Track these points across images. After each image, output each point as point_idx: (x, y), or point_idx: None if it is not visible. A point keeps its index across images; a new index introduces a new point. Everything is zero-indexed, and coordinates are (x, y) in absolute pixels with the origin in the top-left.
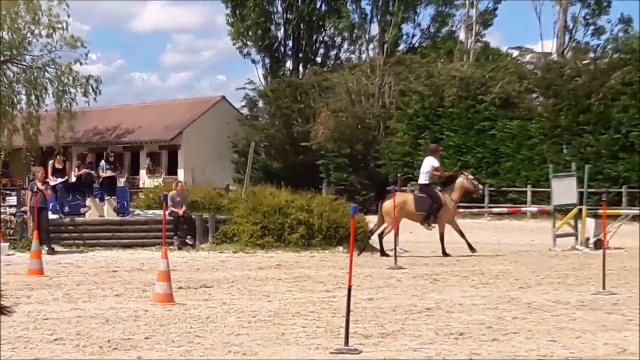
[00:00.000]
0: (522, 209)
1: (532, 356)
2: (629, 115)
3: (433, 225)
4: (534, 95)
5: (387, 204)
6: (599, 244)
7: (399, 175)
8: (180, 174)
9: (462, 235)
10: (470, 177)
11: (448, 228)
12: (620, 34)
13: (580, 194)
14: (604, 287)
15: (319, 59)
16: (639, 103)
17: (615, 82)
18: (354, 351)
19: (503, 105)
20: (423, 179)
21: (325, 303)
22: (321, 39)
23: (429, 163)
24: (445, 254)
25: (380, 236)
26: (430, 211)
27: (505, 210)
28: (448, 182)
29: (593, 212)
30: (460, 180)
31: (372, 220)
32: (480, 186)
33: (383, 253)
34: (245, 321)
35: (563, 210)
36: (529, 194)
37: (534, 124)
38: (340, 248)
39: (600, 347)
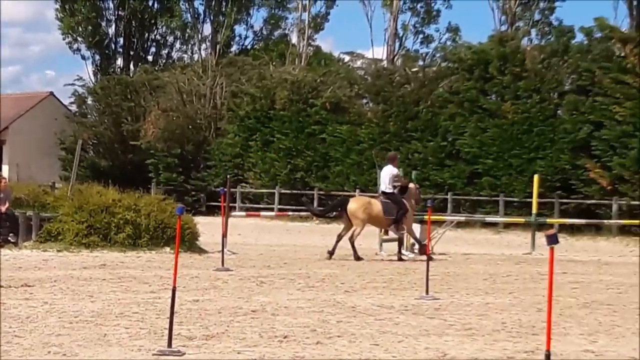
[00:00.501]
0: None
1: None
2: (455, 123)
3: (402, 231)
4: (364, 100)
5: (352, 206)
6: (423, 250)
7: (228, 176)
8: (5, 169)
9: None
10: (417, 187)
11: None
12: (449, 43)
13: None
14: (427, 292)
15: (150, 58)
16: (465, 112)
17: (442, 91)
18: (176, 353)
19: (333, 109)
20: (386, 187)
21: (149, 304)
22: (153, 37)
23: (389, 171)
24: (400, 258)
25: (351, 240)
26: (397, 217)
27: (333, 213)
28: (403, 190)
29: (419, 217)
30: (412, 188)
31: (200, 221)
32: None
33: (357, 257)
34: (67, 321)
35: None
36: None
37: (364, 129)
38: (168, 249)
39: (421, 351)
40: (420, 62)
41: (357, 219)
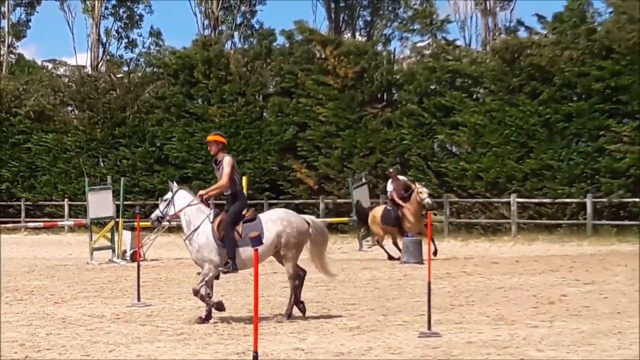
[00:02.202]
0: (59, 222)
1: None
2: (163, 128)
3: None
4: (70, 108)
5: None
6: (135, 256)
7: None
8: None
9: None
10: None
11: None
12: (152, 48)
13: (117, 206)
14: (139, 299)
15: None
16: (172, 116)
17: (149, 96)
18: None
19: (38, 118)
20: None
21: None
22: None
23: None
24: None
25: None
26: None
27: (41, 224)
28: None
29: (130, 224)
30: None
31: None
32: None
33: (390, 257)
34: None
35: (100, 223)
36: (66, 207)
37: (70, 137)
38: None
39: (133, 359)
40: (125, 68)
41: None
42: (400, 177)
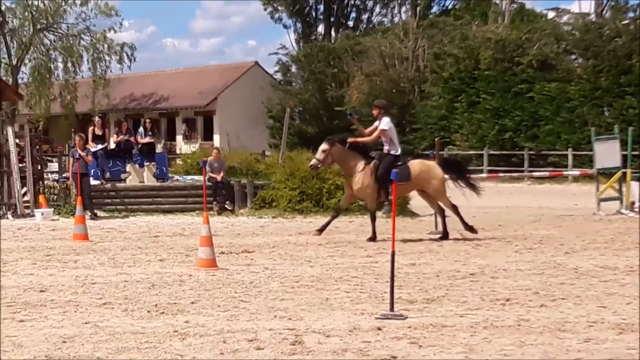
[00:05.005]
0: (564, 172)
1: (582, 322)
2: None
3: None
4: (573, 56)
5: None
6: None
7: (436, 139)
8: (216, 139)
9: None
10: None
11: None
12: None
13: (624, 157)
14: None
15: (350, 23)
16: None
17: None
18: (399, 317)
19: (541, 67)
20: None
21: (367, 268)
22: (353, 2)
23: None
24: None
25: None
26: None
27: (546, 174)
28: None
29: (638, 175)
30: None
31: None
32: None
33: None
34: (289, 286)
35: (606, 173)
36: (570, 157)
37: (573, 86)
38: (379, 212)
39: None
40: (631, 14)
41: None
42: None
